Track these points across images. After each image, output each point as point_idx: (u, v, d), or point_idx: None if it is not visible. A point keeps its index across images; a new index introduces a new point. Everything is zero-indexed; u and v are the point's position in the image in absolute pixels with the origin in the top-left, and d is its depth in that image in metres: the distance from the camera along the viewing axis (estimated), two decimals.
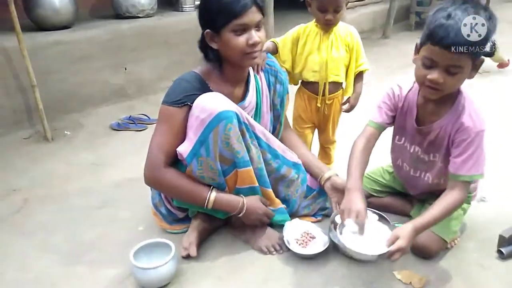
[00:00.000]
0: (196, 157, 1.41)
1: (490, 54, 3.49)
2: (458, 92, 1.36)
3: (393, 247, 1.26)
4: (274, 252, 1.56)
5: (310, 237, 1.59)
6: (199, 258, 1.54)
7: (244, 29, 1.38)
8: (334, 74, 1.83)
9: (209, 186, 1.48)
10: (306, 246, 1.55)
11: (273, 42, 1.89)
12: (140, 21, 3.28)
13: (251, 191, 1.52)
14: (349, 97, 1.94)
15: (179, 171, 1.47)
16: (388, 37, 5.24)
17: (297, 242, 1.57)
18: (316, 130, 2.07)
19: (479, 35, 1.17)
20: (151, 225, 1.72)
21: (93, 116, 2.94)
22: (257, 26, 1.40)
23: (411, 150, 1.51)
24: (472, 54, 1.19)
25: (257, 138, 1.51)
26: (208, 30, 1.42)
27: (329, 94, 1.88)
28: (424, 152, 1.49)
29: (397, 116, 1.50)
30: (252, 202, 1.52)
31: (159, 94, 2.73)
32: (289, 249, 1.54)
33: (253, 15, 1.37)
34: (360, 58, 1.85)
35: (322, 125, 2.00)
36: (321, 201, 1.75)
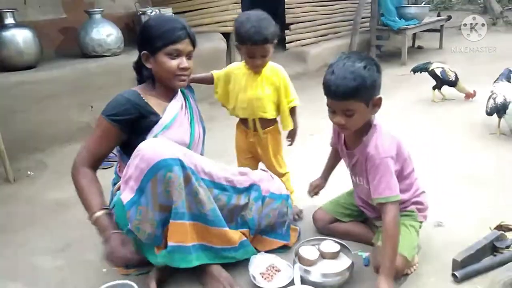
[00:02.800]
0: (136, 206, 1.43)
1: (453, 84, 3.77)
2: (369, 126, 1.55)
3: None
4: None
5: (276, 271, 1.61)
6: None
7: (178, 54, 1.60)
8: (261, 111, 1.91)
9: (105, 208, 1.51)
10: (271, 279, 1.57)
11: (212, 73, 2.01)
12: (107, 59, 3.33)
13: (178, 251, 1.46)
14: (290, 133, 2.04)
15: (94, 177, 1.58)
16: None
17: (262, 276, 1.58)
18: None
19: (358, 84, 1.38)
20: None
21: (58, 155, 2.90)
22: (188, 56, 1.64)
23: (348, 171, 1.74)
24: (358, 98, 1.41)
25: (202, 179, 1.52)
26: (145, 52, 1.61)
27: (263, 129, 1.96)
28: (353, 174, 1.71)
29: (335, 140, 1.77)
30: (116, 242, 1.44)
31: None
32: (255, 284, 1.55)
33: (186, 45, 1.61)
34: (289, 95, 1.94)
35: (263, 158, 2.06)
36: (279, 205, 1.74)
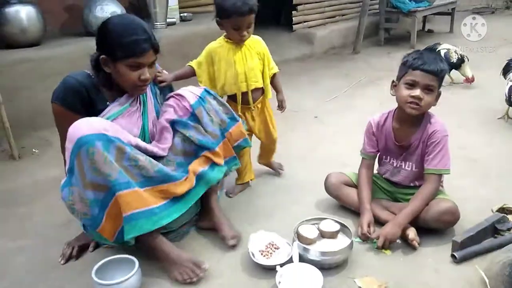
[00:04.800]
0: (68, 186, 1.46)
1: (456, 66, 3.71)
2: (424, 114, 1.72)
3: (374, 234, 1.64)
4: (190, 280, 1.48)
5: (275, 248, 1.62)
6: (164, 273, 1.54)
7: (139, 66, 1.53)
8: (254, 81, 1.98)
9: None
10: (270, 257, 1.58)
11: (190, 66, 2.00)
12: None
13: (145, 216, 1.44)
14: (280, 99, 2.12)
15: None
16: (358, 52, 5.40)
17: (261, 254, 1.59)
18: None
19: (443, 66, 1.66)
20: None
21: None
22: (150, 65, 1.57)
23: (395, 165, 1.82)
24: (439, 78, 1.64)
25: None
26: (104, 56, 1.52)
27: (254, 101, 2.02)
28: (399, 162, 1.82)
29: (379, 143, 1.84)
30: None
31: None
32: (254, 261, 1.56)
33: (149, 57, 1.54)
34: (270, 63, 2.04)
35: (263, 128, 2.10)
36: (209, 105, 1.72)
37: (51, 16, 3.33)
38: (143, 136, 1.67)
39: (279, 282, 1.42)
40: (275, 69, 2.06)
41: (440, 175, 1.70)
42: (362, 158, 1.89)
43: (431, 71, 1.60)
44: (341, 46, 5.68)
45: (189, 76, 2.00)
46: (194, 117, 1.67)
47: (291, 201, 2.01)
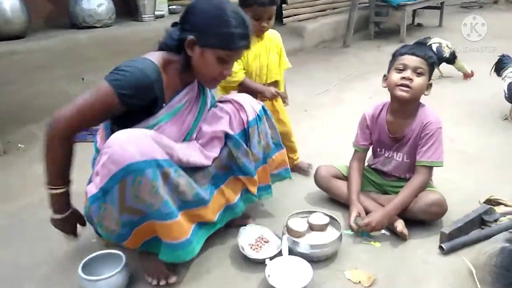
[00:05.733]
0: (99, 203, 1.29)
1: (450, 61, 3.72)
2: (418, 105, 1.74)
3: (364, 220, 1.62)
4: (158, 282, 1.44)
5: (264, 242, 1.62)
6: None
7: (227, 61, 1.41)
8: (275, 73, 2.05)
9: (67, 182, 1.39)
10: (259, 250, 1.58)
11: (244, 73, 1.93)
12: (97, 31, 3.25)
13: (183, 247, 1.36)
14: (281, 94, 2.10)
15: (72, 151, 1.35)
16: (348, 46, 5.41)
17: (251, 247, 1.59)
18: None
19: (432, 53, 1.72)
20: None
21: None
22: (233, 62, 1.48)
23: (387, 155, 1.83)
24: (428, 63, 1.66)
25: (181, 168, 1.40)
26: (192, 37, 1.36)
27: None
28: (391, 153, 1.82)
29: (373, 136, 1.84)
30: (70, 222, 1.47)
31: None
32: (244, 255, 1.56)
33: (240, 54, 1.46)
34: (285, 57, 2.10)
35: (278, 118, 2.08)
36: (262, 126, 1.64)
37: (36, 8, 3.26)
38: (187, 135, 1.54)
39: (269, 276, 1.41)
40: (288, 64, 2.12)
41: (431, 168, 1.71)
42: (354, 150, 1.89)
43: (418, 54, 1.65)
44: (331, 40, 5.68)
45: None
46: (245, 134, 1.59)
47: (281, 194, 2.01)
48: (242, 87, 1.94)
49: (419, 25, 6.71)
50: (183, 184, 1.37)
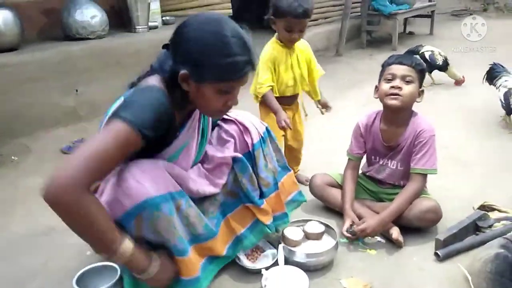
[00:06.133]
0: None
1: (443, 68, 3.77)
2: (411, 113, 1.76)
3: (359, 226, 1.63)
4: None
5: (260, 252, 1.61)
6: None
7: (230, 91, 1.24)
8: (305, 84, 2.07)
9: (120, 228, 1.17)
10: (256, 260, 1.57)
11: (268, 88, 1.91)
12: (91, 42, 3.25)
13: (192, 284, 1.30)
14: (321, 101, 2.16)
15: (99, 201, 1.16)
16: (341, 54, 5.46)
17: (247, 257, 1.58)
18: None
19: (420, 62, 1.76)
20: None
21: (43, 140, 2.84)
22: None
23: (381, 163, 1.84)
24: (417, 71, 1.69)
25: (191, 199, 1.35)
26: (185, 72, 1.17)
27: (292, 103, 2.09)
28: (386, 161, 1.83)
29: (367, 144, 1.85)
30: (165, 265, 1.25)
31: None
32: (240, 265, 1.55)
33: (245, 80, 1.25)
34: (316, 65, 2.09)
35: (296, 128, 2.13)
36: (266, 148, 1.57)
37: (29, 20, 3.25)
38: (195, 160, 1.46)
39: (265, 286, 1.41)
40: (322, 71, 2.12)
41: (426, 175, 1.72)
42: (348, 159, 1.89)
43: (405, 63, 1.69)
44: (324, 49, 5.72)
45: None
46: (251, 157, 1.52)
47: None
48: (264, 100, 1.94)
49: (411, 33, 6.79)
50: (192, 215, 1.32)
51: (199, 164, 1.50)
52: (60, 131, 2.97)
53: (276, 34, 1.96)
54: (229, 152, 1.50)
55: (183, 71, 1.18)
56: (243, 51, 1.19)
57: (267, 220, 1.55)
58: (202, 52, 1.16)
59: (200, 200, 1.43)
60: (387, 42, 5.93)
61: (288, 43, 1.93)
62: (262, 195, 1.55)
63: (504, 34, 6.03)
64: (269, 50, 1.96)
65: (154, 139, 1.17)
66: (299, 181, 2.17)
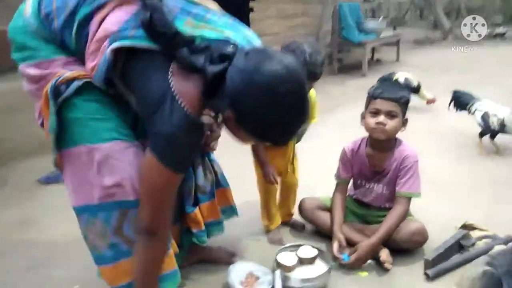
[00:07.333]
0: (90, 215, 1.23)
1: (416, 90, 3.97)
2: (395, 141, 1.84)
3: (352, 258, 1.66)
4: None
5: (255, 278, 1.61)
6: None
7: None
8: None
9: None
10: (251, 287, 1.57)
11: None
12: None
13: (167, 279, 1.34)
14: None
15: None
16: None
17: (243, 286, 1.57)
18: None
19: (403, 94, 1.79)
20: (88, 282, 1.62)
21: (18, 171, 2.76)
22: None
23: (368, 186, 1.90)
24: (400, 105, 1.74)
25: None
26: (231, 115, 1.10)
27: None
28: (372, 184, 1.89)
29: (354, 169, 1.91)
30: None
31: None
32: None
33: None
34: (315, 112, 1.96)
35: (281, 165, 2.00)
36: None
37: (3, 51, 3.20)
38: None
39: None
40: (315, 120, 1.99)
41: (410, 198, 1.79)
42: (337, 183, 1.95)
43: (390, 98, 1.73)
44: None
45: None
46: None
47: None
48: (254, 149, 1.88)
49: (378, 60, 7.12)
50: None
51: None
52: (37, 161, 2.87)
53: None
54: None
55: (228, 113, 1.10)
56: (297, 122, 1.12)
57: (197, 227, 1.59)
58: (255, 110, 1.06)
59: None
60: (357, 68, 6.18)
61: None
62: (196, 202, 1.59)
63: (465, 60, 6.42)
64: None
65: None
66: (294, 227, 2.06)
